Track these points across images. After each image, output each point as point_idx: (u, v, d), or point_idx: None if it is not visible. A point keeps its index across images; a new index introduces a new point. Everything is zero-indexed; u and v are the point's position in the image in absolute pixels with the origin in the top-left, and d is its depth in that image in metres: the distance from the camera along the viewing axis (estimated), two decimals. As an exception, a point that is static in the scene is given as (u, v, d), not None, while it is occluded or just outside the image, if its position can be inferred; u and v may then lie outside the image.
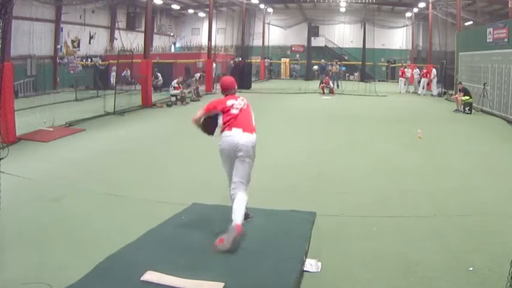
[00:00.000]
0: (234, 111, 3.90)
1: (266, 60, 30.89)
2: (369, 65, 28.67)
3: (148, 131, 10.08)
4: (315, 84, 21.52)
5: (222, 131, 3.88)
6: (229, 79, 4.24)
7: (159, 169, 6.45)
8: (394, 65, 29.26)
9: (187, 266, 3.23)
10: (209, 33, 20.78)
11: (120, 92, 15.32)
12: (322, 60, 29.31)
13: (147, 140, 8.79)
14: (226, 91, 4.10)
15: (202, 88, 18.43)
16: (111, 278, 3.07)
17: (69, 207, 4.74)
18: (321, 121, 11.35)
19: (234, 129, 3.79)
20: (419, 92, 19.94)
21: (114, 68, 19.77)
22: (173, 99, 14.83)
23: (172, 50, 30.56)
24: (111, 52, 23.23)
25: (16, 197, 4.78)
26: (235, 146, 3.74)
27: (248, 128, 3.83)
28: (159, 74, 19.64)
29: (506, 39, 11.92)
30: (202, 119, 3.99)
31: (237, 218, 3.61)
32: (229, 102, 3.95)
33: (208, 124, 4.03)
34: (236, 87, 4.20)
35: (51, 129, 9.45)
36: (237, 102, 3.99)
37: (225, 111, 3.89)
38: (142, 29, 19.65)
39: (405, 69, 21.71)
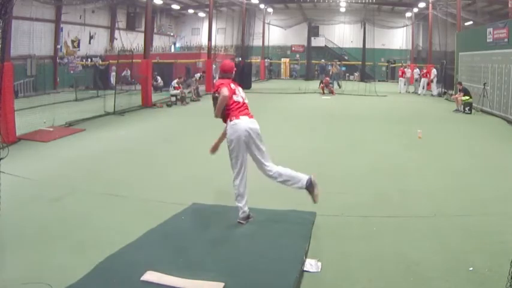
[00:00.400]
0: (238, 99, 4.07)
1: (266, 60, 30.91)
2: (369, 65, 28.68)
3: (148, 131, 10.08)
4: (315, 84, 21.54)
5: (229, 119, 3.99)
6: (229, 62, 4.42)
7: (159, 169, 6.45)
8: (394, 65, 29.28)
9: (187, 266, 3.24)
10: (209, 33, 20.80)
11: (120, 92, 15.33)
12: (322, 60, 29.32)
13: (147, 140, 8.79)
14: (224, 73, 4.23)
15: (202, 88, 18.43)
16: (111, 278, 3.07)
17: (69, 207, 4.73)
18: (321, 121, 11.35)
19: (241, 117, 3.99)
20: (419, 92, 19.95)
21: (114, 68, 19.77)
22: (173, 99, 14.84)
23: (172, 50, 30.57)
24: (111, 52, 23.23)
25: (16, 197, 4.79)
26: (247, 131, 3.94)
27: (251, 116, 4.09)
28: (158, 78, 19.57)
29: (506, 39, 11.92)
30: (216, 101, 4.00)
31: (301, 176, 4.06)
32: (232, 85, 4.12)
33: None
34: (233, 72, 4.29)
35: (51, 129, 9.45)
36: (237, 90, 4.15)
37: (229, 93, 3.99)
38: (142, 29, 19.65)
39: (405, 69, 21.71)
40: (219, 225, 4.10)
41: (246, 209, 4.08)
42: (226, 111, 4.03)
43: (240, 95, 4.13)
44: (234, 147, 3.96)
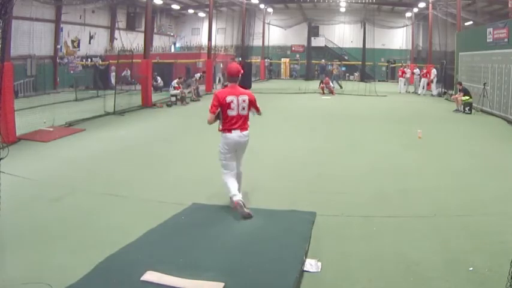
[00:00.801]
0: (232, 113, 4.34)
1: (266, 60, 30.90)
2: (369, 65, 28.68)
3: (148, 131, 10.08)
4: (315, 84, 21.54)
5: (223, 131, 4.40)
6: (235, 67, 4.54)
7: (159, 169, 6.45)
8: (394, 65, 29.27)
9: (187, 266, 3.24)
10: (209, 33, 20.79)
11: (120, 92, 15.32)
12: (323, 60, 29.30)
13: (147, 140, 8.79)
14: (231, 77, 4.48)
15: (202, 88, 18.44)
16: (111, 278, 3.07)
17: (69, 207, 4.74)
18: (321, 121, 11.35)
19: (233, 131, 4.36)
20: (419, 92, 19.95)
21: (113, 68, 19.76)
22: (173, 99, 14.84)
23: (172, 50, 30.56)
24: (111, 52, 23.22)
25: (16, 197, 4.79)
26: (236, 145, 4.42)
27: (243, 127, 4.42)
28: (158, 78, 19.55)
29: (506, 39, 11.92)
30: (215, 117, 4.39)
31: (237, 193, 4.41)
32: (228, 99, 4.33)
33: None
34: (239, 76, 4.48)
35: (51, 129, 9.45)
36: (235, 101, 4.32)
37: (224, 108, 4.33)
38: (142, 29, 19.64)
39: (405, 69, 21.71)
40: (219, 225, 4.10)
41: (237, 193, 4.35)
42: (221, 122, 4.40)
43: (237, 108, 4.34)
44: (223, 155, 4.41)
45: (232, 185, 4.38)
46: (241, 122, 4.38)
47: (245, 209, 4.26)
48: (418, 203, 4.91)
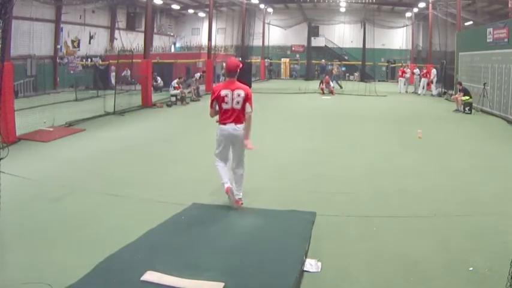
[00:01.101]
0: (226, 106, 4.44)
1: (266, 60, 30.89)
2: (369, 65, 28.67)
3: (148, 131, 10.08)
4: (315, 84, 21.54)
5: (219, 122, 4.53)
6: (234, 62, 4.64)
7: (159, 169, 6.44)
8: (394, 65, 29.26)
9: (187, 266, 3.24)
10: (209, 33, 20.79)
11: (120, 92, 15.32)
12: (323, 60, 29.29)
13: (147, 140, 8.79)
14: (229, 73, 4.53)
15: (202, 88, 18.44)
16: (111, 278, 3.07)
17: (69, 207, 4.74)
18: (321, 121, 11.35)
19: (227, 124, 4.45)
20: (419, 92, 19.94)
21: (113, 68, 19.74)
22: (173, 99, 14.84)
23: (172, 50, 30.56)
24: (111, 52, 23.22)
25: (16, 197, 4.79)
26: (230, 137, 4.50)
27: (239, 120, 4.48)
28: (158, 78, 19.54)
29: (506, 39, 11.92)
30: (214, 110, 4.58)
31: (239, 189, 4.64)
32: (223, 92, 4.44)
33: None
34: (238, 71, 4.55)
35: (51, 129, 9.44)
36: (230, 95, 4.41)
37: (219, 101, 4.46)
38: (142, 29, 19.65)
39: (405, 69, 21.70)
40: (219, 226, 4.10)
41: (227, 180, 4.50)
42: (219, 115, 4.54)
43: (231, 101, 4.42)
44: (219, 142, 4.57)
45: (224, 172, 4.53)
46: (235, 116, 4.45)
47: (236, 198, 4.50)
48: (418, 202, 4.91)
